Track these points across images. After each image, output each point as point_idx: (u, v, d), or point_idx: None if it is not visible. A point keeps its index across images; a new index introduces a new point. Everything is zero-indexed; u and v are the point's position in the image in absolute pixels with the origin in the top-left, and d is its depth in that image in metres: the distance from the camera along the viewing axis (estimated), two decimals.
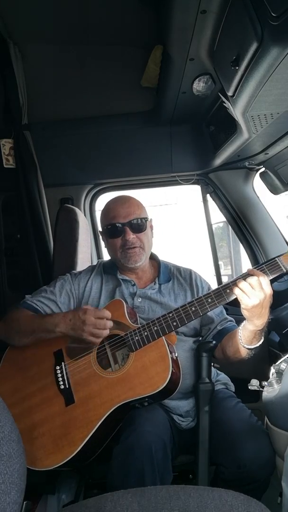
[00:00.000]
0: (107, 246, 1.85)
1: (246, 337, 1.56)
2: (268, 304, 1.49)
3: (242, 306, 1.50)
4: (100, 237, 1.96)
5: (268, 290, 1.47)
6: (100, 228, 1.89)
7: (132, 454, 1.39)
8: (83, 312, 1.52)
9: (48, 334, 1.59)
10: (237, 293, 1.49)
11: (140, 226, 1.76)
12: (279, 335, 2.02)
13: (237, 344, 1.60)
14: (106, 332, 1.52)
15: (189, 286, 1.82)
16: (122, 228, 1.74)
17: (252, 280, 1.47)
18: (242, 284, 1.48)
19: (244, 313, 1.51)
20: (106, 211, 1.82)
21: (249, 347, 1.57)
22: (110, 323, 1.52)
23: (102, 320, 1.51)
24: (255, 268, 1.54)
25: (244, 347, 1.58)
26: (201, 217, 2.76)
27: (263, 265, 1.54)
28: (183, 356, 1.68)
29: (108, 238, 1.80)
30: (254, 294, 1.46)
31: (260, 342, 1.58)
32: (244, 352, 1.61)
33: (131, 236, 1.73)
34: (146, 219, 1.79)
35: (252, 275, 1.48)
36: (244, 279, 1.49)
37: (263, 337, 1.57)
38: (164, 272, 1.84)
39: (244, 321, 1.56)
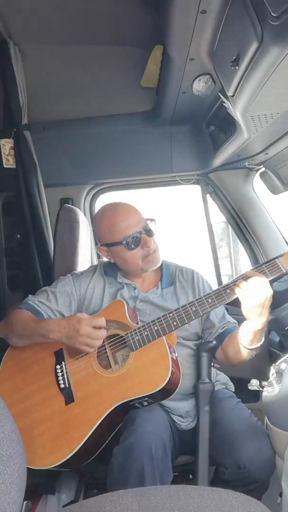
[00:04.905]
0: (120, 259, 1.70)
1: (247, 338, 1.55)
2: (269, 304, 1.49)
3: (242, 305, 1.49)
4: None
5: (269, 290, 1.47)
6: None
7: (132, 454, 1.39)
8: (77, 321, 1.48)
9: (43, 339, 1.57)
10: (238, 292, 1.48)
11: (152, 229, 1.69)
12: (279, 335, 2.02)
13: (238, 345, 1.59)
14: (100, 342, 1.51)
15: (191, 288, 1.79)
16: (140, 236, 1.64)
17: (253, 279, 1.47)
18: (244, 283, 1.48)
19: (245, 312, 1.50)
20: (112, 225, 1.66)
21: (250, 347, 1.56)
22: (104, 332, 1.50)
23: (96, 330, 1.49)
24: (254, 268, 1.54)
25: (245, 348, 1.57)
26: (201, 217, 2.76)
27: (263, 266, 1.54)
28: (183, 359, 1.67)
29: (127, 251, 1.65)
30: (255, 293, 1.45)
31: (261, 343, 1.57)
32: (245, 353, 1.59)
33: (151, 242, 1.65)
34: (153, 220, 1.72)
35: (250, 277, 1.48)
36: (245, 280, 1.49)
37: (263, 338, 1.57)
38: (166, 275, 1.80)
39: (244, 322, 1.56)
